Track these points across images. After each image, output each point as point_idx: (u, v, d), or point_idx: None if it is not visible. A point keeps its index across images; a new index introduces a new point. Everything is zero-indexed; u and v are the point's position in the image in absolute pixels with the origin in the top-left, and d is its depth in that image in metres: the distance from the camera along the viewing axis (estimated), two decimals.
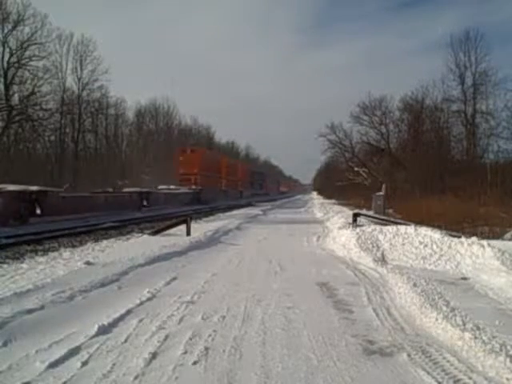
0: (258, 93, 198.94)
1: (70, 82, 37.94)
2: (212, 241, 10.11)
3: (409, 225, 9.46)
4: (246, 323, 4.08)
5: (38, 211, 14.70)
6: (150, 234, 10.38)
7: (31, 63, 32.42)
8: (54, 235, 10.69)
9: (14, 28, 31.46)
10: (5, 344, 3.41)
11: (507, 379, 2.86)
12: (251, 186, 59.67)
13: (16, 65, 31.97)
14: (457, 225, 12.02)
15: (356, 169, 37.03)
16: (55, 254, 7.87)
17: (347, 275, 6.48)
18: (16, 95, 32.50)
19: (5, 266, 6.58)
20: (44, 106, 33.32)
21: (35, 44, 32.40)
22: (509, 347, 3.17)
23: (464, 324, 3.71)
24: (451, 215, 13.56)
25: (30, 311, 4.05)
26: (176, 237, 9.86)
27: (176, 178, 35.41)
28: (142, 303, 4.71)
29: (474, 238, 7.55)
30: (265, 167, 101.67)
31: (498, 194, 16.22)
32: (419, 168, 25.25)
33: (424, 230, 8.48)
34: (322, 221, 16.97)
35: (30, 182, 17.13)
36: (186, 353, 3.33)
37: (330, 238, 10.33)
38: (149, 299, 4.89)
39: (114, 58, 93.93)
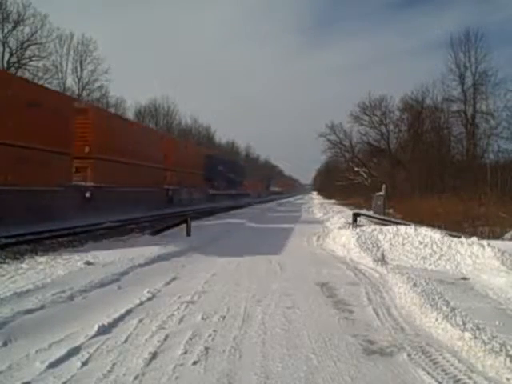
0: (258, 93, 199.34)
1: (70, 81, 38.13)
2: (212, 241, 10.11)
3: (409, 225, 9.46)
4: (245, 323, 4.07)
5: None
6: (150, 233, 10.38)
7: (31, 63, 32.57)
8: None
9: (14, 28, 31.53)
10: (5, 344, 3.41)
11: (507, 379, 2.86)
12: (209, 181, 35.28)
13: (16, 65, 32.03)
14: (457, 225, 12.00)
15: (356, 169, 37.05)
16: (55, 253, 7.85)
17: (347, 275, 6.48)
18: None
19: (5, 265, 6.57)
20: None
21: (35, 44, 32.49)
22: (509, 347, 3.17)
23: (464, 324, 3.71)
24: (451, 215, 13.54)
25: (30, 311, 4.05)
26: (176, 237, 9.85)
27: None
28: (141, 303, 4.71)
29: (474, 238, 7.56)
30: (265, 167, 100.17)
31: (497, 194, 16.19)
32: (419, 168, 25.24)
33: (424, 230, 8.48)
34: (321, 221, 16.98)
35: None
36: (185, 353, 3.33)
37: (330, 238, 10.33)
38: (149, 299, 4.89)
39: (114, 58, 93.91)
